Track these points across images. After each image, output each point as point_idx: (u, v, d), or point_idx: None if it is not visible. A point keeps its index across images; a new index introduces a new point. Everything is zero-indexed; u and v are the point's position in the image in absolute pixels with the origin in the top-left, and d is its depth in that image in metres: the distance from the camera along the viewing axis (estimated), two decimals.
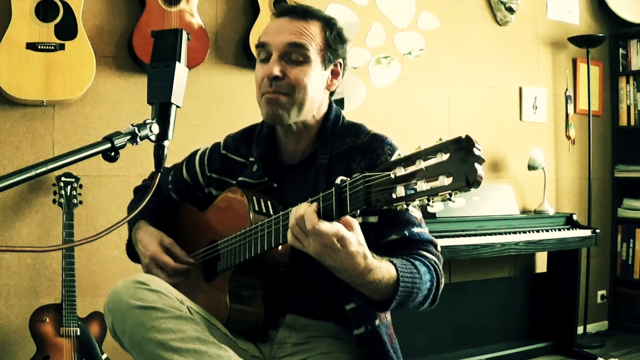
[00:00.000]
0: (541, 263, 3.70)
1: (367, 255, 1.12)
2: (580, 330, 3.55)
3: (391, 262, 1.19)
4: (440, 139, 0.92)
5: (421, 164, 0.93)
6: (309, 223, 1.06)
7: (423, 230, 1.36)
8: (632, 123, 3.96)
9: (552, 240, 3.20)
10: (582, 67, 3.86)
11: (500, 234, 3.05)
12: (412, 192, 0.94)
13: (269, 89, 1.35)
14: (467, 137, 0.88)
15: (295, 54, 1.35)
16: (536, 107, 3.74)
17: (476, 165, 0.87)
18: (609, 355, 3.30)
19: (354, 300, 1.32)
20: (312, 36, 1.36)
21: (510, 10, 3.59)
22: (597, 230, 3.36)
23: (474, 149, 0.87)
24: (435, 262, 1.32)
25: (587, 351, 3.37)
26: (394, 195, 0.96)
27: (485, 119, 3.55)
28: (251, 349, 1.39)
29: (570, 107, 3.87)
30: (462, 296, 3.23)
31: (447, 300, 3.45)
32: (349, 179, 1.06)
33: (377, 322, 1.35)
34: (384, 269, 1.16)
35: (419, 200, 0.93)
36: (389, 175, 0.97)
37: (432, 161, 0.91)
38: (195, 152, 1.63)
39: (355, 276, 1.13)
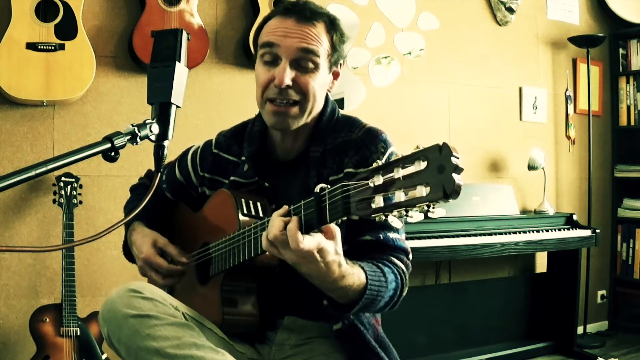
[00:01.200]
0: (541, 263, 3.70)
1: (341, 264, 1.13)
2: (580, 330, 3.55)
3: (362, 268, 1.19)
4: (417, 146, 0.89)
5: (399, 173, 0.90)
6: (293, 242, 1.05)
7: (399, 236, 1.35)
8: (632, 123, 3.96)
9: (552, 240, 3.20)
10: (582, 67, 3.86)
11: (500, 234, 3.04)
12: (390, 202, 0.91)
13: (278, 96, 1.32)
14: (445, 144, 0.85)
15: (305, 61, 1.31)
16: (536, 107, 3.74)
17: (454, 175, 0.83)
18: (609, 355, 3.30)
19: None
20: (321, 40, 1.33)
21: (510, 10, 3.59)
22: (597, 230, 3.35)
23: (452, 158, 0.83)
24: (403, 270, 1.32)
25: (587, 351, 3.37)
26: (372, 206, 0.94)
27: (485, 119, 3.55)
28: (249, 351, 1.38)
29: (570, 107, 3.87)
30: (462, 296, 3.23)
31: (447, 300, 3.46)
32: (328, 187, 1.05)
33: (351, 315, 1.34)
34: (355, 275, 1.17)
35: (397, 212, 0.91)
36: (367, 184, 0.95)
37: (409, 170, 0.89)
38: (187, 150, 1.61)
39: (327, 282, 1.14)
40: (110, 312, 1.22)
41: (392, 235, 1.33)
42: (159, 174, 1.07)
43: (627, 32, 3.97)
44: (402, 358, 1.39)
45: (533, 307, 3.48)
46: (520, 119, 3.70)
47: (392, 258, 1.31)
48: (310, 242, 1.06)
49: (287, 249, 1.08)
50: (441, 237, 2.86)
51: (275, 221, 1.09)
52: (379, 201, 0.93)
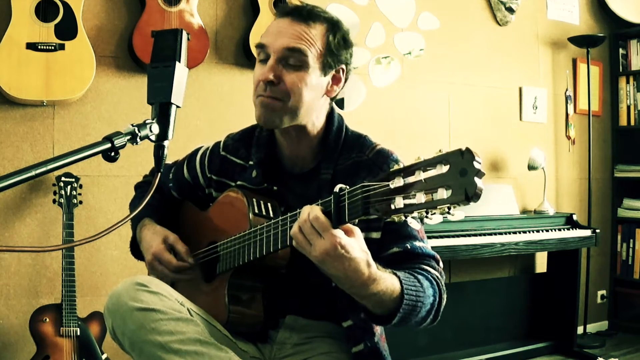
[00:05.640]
0: (541, 263, 3.69)
1: (370, 264, 1.10)
2: (580, 330, 3.55)
3: (395, 274, 1.16)
4: (440, 150, 0.91)
5: (420, 175, 0.91)
6: (320, 224, 1.06)
7: (425, 245, 1.34)
8: (632, 123, 3.96)
9: (552, 240, 3.20)
10: (582, 67, 3.86)
11: (500, 234, 3.05)
12: (411, 203, 0.92)
13: (264, 92, 1.32)
14: (467, 149, 0.87)
15: (292, 59, 1.31)
16: (536, 107, 3.74)
17: (476, 179, 0.85)
18: (609, 355, 3.30)
19: (351, 318, 1.30)
20: (313, 41, 1.32)
21: (510, 10, 3.59)
22: (597, 230, 3.35)
23: (474, 162, 0.86)
24: (437, 277, 1.29)
25: (587, 351, 3.37)
26: (392, 206, 0.95)
27: (485, 119, 3.55)
28: (251, 349, 1.39)
29: (570, 107, 3.87)
30: (462, 296, 3.23)
31: (447, 300, 3.45)
32: (347, 187, 1.05)
33: (375, 338, 1.34)
34: (387, 280, 1.13)
35: (417, 212, 0.92)
36: (388, 185, 0.96)
37: (431, 173, 0.90)
38: (197, 150, 1.61)
39: (358, 286, 1.10)
40: (115, 305, 1.22)
41: (418, 244, 1.32)
42: (159, 173, 1.07)
43: (627, 32, 3.97)
44: (402, 358, 1.39)
45: (533, 307, 3.48)
46: (520, 119, 3.69)
47: (423, 265, 1.29)
48: (334, 231, 1.05)
49: (314, 236, 1.07)
50: (441, 237, 2.86)
51: (306, 208, 1.10)
52: (399, 202, 0.94)
